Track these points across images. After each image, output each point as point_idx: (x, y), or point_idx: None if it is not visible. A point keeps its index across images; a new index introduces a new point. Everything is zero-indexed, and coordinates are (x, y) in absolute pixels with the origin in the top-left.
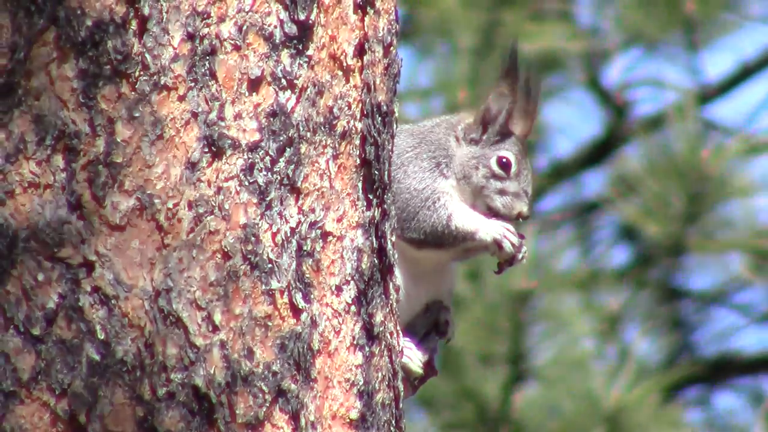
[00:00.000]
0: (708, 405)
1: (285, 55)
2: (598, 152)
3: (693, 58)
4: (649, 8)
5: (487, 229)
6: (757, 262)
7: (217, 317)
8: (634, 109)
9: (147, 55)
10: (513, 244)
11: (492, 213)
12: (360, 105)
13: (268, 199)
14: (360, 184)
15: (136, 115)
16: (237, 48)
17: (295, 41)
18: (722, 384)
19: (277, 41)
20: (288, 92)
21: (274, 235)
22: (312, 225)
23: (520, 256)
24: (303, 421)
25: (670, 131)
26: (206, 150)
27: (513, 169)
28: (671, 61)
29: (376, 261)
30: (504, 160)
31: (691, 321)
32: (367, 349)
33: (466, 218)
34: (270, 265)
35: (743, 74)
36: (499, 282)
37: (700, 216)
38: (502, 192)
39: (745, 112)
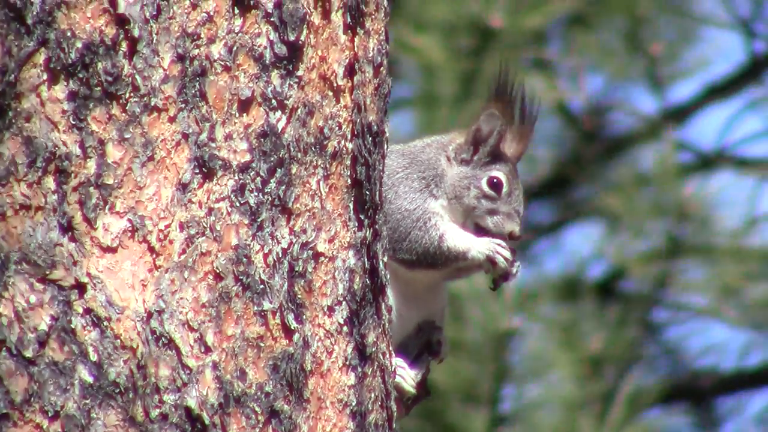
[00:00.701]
0: None
1: (275, 76)
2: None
3: (658, 92)
4: (613, 53)
5: (479, 248)
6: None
7: (210, 338)
8: (603, 133)
9: (137, 77)
10: (506, 259)
11: (483, 232)
12: (350, 125)
13: (259, 220)
14: (351, 205)
15: (127, 136)
16: (227, 69)
17: (285, 62)
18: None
19: (267, 62)
20: (278, 113)
21: (265, 256)
22: (303, 246)
23: (514, 270)
24: None
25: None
26: (197, 171)
27: (504, 189)
28: (638, 90)
29: (368, 281)
30: (495, 180)
31: (676, 353)
32: (359, 369)
33: (457, 238)
34: (262, 286)
35: (709, 97)
36: (482, 322)
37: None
38: (493, 212)
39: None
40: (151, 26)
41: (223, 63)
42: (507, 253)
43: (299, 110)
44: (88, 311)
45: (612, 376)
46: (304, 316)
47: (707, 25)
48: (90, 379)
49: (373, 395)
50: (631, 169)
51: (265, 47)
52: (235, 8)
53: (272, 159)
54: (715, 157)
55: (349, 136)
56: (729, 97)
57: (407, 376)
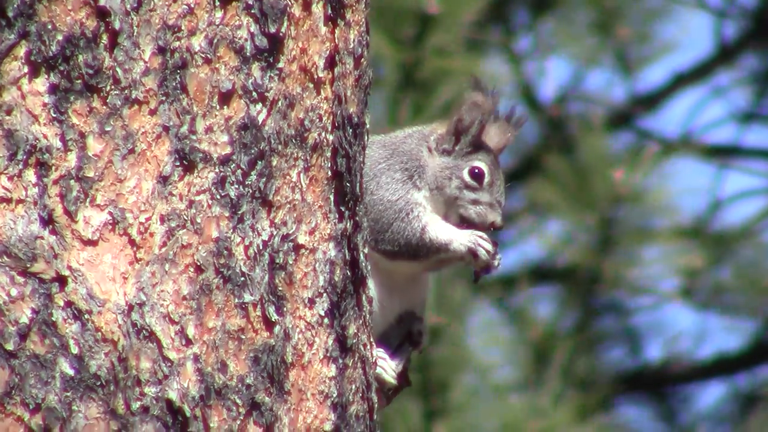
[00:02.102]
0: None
1: (256, 68)
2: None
3: (627, 77)
4: (583, 35)
5: (462, 240)
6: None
7: (191, 331)
8: (569, 123)
9: (118, 70)
10: (488, 252)
11: (465, 223)
12: (331, 117)
13: (240, 212)
14: (332, 197)
15: (108, 129)
16: (208, 61)
17: (265, 54)
18: (637, 399)
19: (248, 54)
20: (259, 105)
21: (246, 248)
22: (284, 238)
23: (495, 263)
24: None
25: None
26: (178, 164)
27: (486, 179)
28: (605, 78)
29: (349, 273)
30: (477, 170)
31: (612, 341)
32: (340, 361)
33: (439, 229)
34: (243, 279)
35: (675, 86)
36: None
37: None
38: (475, 202)
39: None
40: (132, 18)
41: (203, 55)
42: (489, 246)
43: (280, 102)
44: (69, 304)
45: (558, 359)
46: (285, 308)
47: (677, 3)
48: (71, 372)
49: (354, 386)
50: (580, 159)
51: (246, 39)
52: (216, 0)
53: (253, 151)
54: (679, 145)
55: (329, 128)
56: (697, 83)
57: (388, 367)
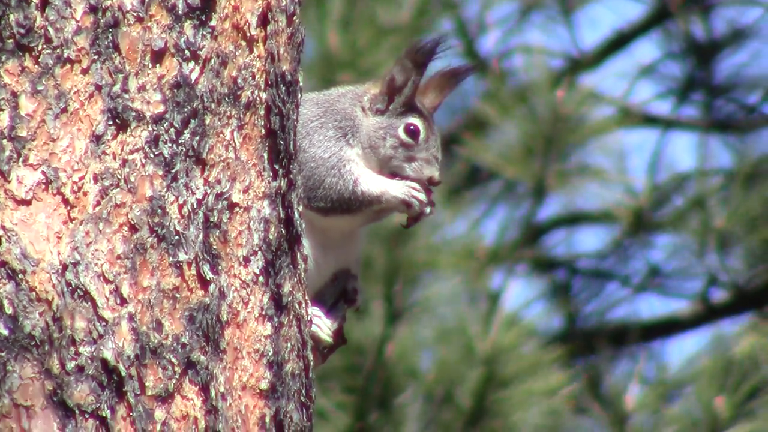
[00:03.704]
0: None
1: (188, 27)
2: (477, 125)
3: (568, 25)
4: None
5: (394, 191)
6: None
7: (125, 290)
8: (511, 78)
9: (50, 29)
10: (421, 202)
11: (399, 178)
12: (264, 75)
13: (173, 171)
14: (266, 155)
15: (40, 88)
16: (140, 20)
17: (198, 12)
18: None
19: (180, 12)
20: (192, 63)
21: (180, 207)
22: (218, 196)
23: (428, 210)
24: (213, 393)
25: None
26: (111, 123)
27: (421, 135)
28: (546, 29)
29: (284, 231)
30: (412, 127)
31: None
32: (275, 319)
33: (371, 182)
34: (177, 237)
35: (617, 43)
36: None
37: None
38: (410, 159)
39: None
40: None
41: (135, 14)
42: (422, 196)
43: (212, 61)
44: (2, 264)
45: (500, 275)
46: (220, 267)
47: None
48: (5, 332)
49: (289, 345)
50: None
51: None
52: None
53: (186, 110)
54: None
55: (262, 86)
56: (639, 39)
57: (323, 325)
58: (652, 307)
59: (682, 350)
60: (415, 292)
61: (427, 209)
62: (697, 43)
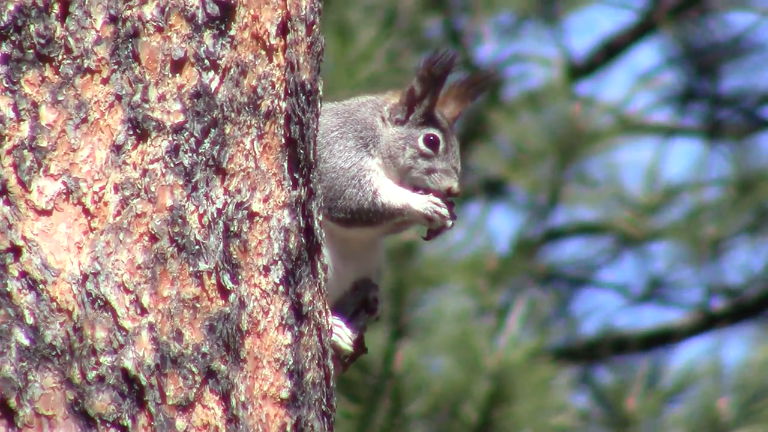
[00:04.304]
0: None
1: (208, 36)
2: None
3: (558, 34)
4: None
5: (416, 205)
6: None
7: (146, 300)
8: (509, 87)
9: (70, 39)
10: (442, 216)
11: (421, 190)
12: (284, 84)
13: (194, 180)
14: (285, 164)
15: (60, 98)
16: (160, 30)
17: (217, 21)
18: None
19: (200, 22)
20: (211, 73)
21: (200, 216)
22: (238, 206)
23: (449, 224)
24: (234, 402)
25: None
26: (131, 132)
27: (441, 146)
28: (539, 39)
29: (304, 240)
30: (431, 137)
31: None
32: (296, 328)
33: (392, 194)
34: (197, 247)
35: (609, 53)
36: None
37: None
38: (430, 171)
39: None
40: None
41: (155, 24)
42: (444, 211)
43: (232, 70)
44: (23, 274)
45: (509, 291)
46: (240, 276)
47: None
48: (26, 342)
49: (309, 354)
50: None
51: (198, 7)
52: None
53: (206, 119)
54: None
55: (282, 95)
56: (633, 47)
57: (344, 335)
58: (652, 317)
59: (682, 359)
60: (422, 306)
61: (449, 223)
62: (691, 50)
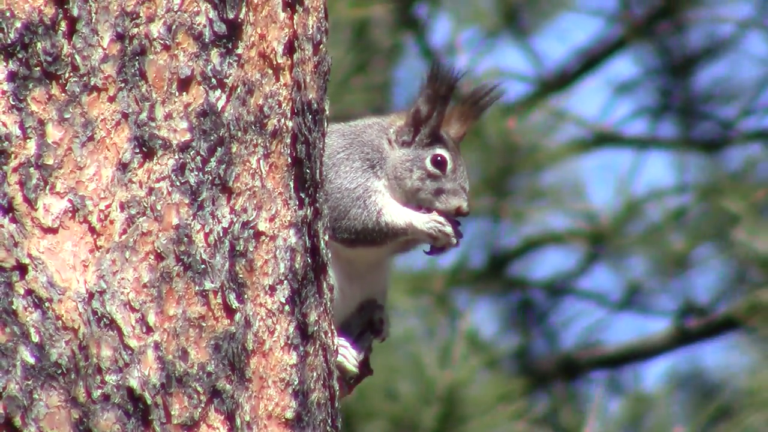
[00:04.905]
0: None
1: (214, 54)
2: None
3: (528, 47)
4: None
5: (419, 224)
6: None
7: (151, 318)
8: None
9: (77, 57)
10: (446, 235)
11: (423, 209)
12: (290, 103)
13: (200, 199)
14: (292, 183)
15: (67, 116)
16: (166, 48)
17: (224, 40)
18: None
19: (207, 40)
20: (218, 91)
21: (206, 235)
22: (244, 225)
23: (454, 241)
24: (238, 421)
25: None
26: (137, 151)
27: (449, 166)
28: (511, 52)
29: (310, 260)
30: (439, 158)
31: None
32: (301, 348)
33: (396, 214)
34: (203, 266)
35: (584, 65)
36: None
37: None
38: (438, 192)
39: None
40: (90, 5)
41: (162, 42)
42: (448, 229)
43: (239, 89)
44: (29, 292)
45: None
46: (246, 296)
47: None
48: (32, 360)
49: (315, 374)
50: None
51: (205, 25)
52: None
53: (212, 138)
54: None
55: (289, 114)
56: (605, 61)
57: (349, 355)
58: (624, 330)
59: (652, 374)
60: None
61: (454, 240)
62: (668, 61)
